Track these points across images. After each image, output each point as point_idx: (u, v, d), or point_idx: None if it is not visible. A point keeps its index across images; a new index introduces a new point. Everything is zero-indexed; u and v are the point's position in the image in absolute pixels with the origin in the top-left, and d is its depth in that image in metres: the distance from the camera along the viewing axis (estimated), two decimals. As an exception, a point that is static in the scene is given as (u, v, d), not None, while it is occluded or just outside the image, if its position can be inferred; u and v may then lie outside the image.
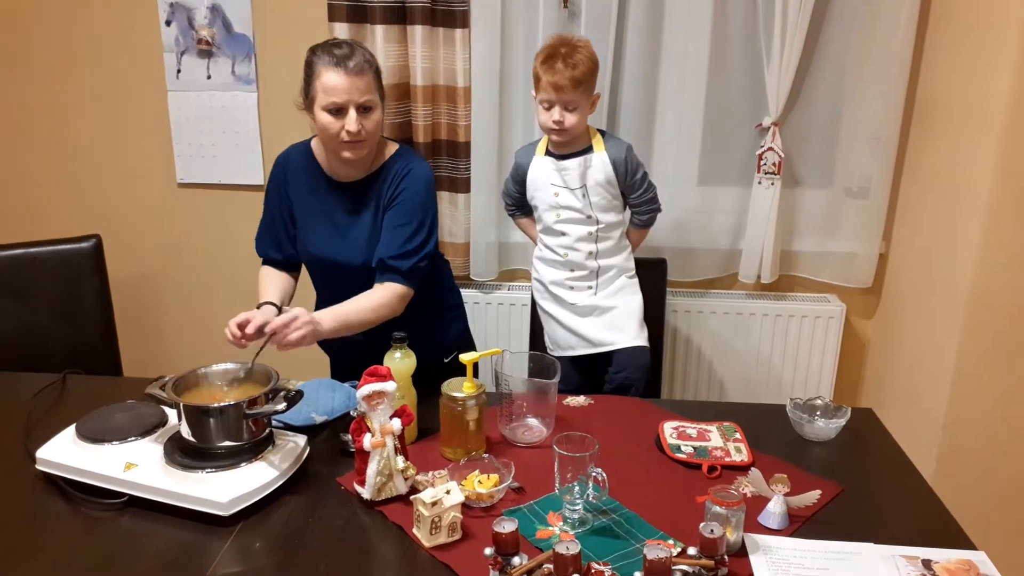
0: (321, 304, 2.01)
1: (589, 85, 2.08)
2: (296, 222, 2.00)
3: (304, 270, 2.09)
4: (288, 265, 2.05)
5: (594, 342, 2.23)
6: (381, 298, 1.85)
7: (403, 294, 1.88)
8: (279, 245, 2.03)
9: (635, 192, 2.21)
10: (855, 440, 1.73)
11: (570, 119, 2.07)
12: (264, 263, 2.07)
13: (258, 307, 1.87)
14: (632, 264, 2.29)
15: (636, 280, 2.29)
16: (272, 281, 2.01)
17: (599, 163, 2.15)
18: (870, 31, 2.53)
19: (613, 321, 2.23)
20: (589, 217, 2.18)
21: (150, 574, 1.30)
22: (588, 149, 2.17)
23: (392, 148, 1.97)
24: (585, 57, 2.05)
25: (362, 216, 1.93)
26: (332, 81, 1.77)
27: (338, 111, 1.78)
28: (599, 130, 2.21)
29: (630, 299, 2.25)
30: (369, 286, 1.87)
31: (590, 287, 2.23)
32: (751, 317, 2.76)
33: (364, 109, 1.80)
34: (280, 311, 1.84)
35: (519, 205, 2.35)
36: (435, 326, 2.10)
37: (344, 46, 1.80)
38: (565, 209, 2.18)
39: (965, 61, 2.33)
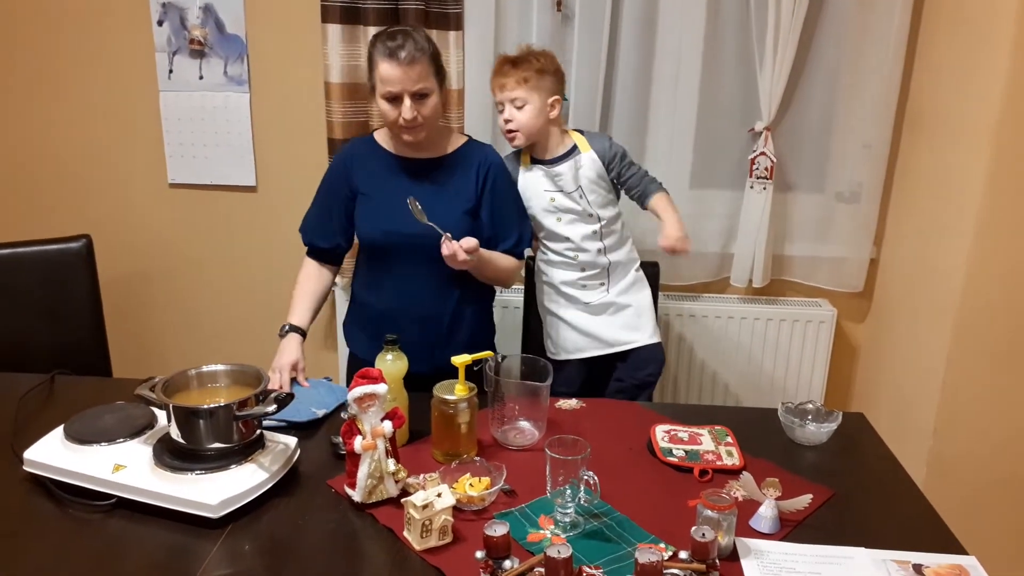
0: (368, 284, 2.08)
1: (538, 85, 2.08)
2: (359, 208, 2.03)
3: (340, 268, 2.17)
4: (332, 256, 2.13)
5: (609, 342, 2.22)
6: (513, 264, 2.10)
7: (521, 265, 2.17)
8: (329, 235, 2.08)
9: (628, 172, 2.21)
10: (847, 444, 1.74)
11: (519, 117, 2.10)
12: (309, 253, 2.13)
13: (283, 330, 1.98)
14: (636, 255, 2.29)
15: (642, 272, 2.30)
16: (308, 288, 2.08)
17: (589, 161, 2.16)
18: (862, 38, 2.54)
19: (629, 320, 2.22)
20: (591, 215, 2.18)
21: (138, 577, 1.30)
22: (574, 150, 2.18)
23: (462, 137, 2.10)
24: (536, 59, 2.09)
25: (439, 193, 2.00)
26: (386, 72, 1.86)
27: (394, 99, 1.88)
28: (577, 130, 2.22)
29: (642, 294, 2.26)
30: (430, 261, 1.92)
31: (602, 284, 2.22)
32: (743, 321, 2.76)
33: (419, 96, 1.88)
34: (304, 336, 1.99)
35: None
36: (470, 328, 2.13)
37: (399, 36, 1.87)
38: (565, 213, 2.17)
39: (956, 68, 2.34)
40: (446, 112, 2.59)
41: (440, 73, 1.95)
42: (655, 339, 2.23)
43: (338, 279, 2.30)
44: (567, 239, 2.19)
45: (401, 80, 1.85)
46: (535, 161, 2.20)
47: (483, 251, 1.93)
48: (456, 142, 2.07)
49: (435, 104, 1.92)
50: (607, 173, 2.19)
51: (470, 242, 1.86)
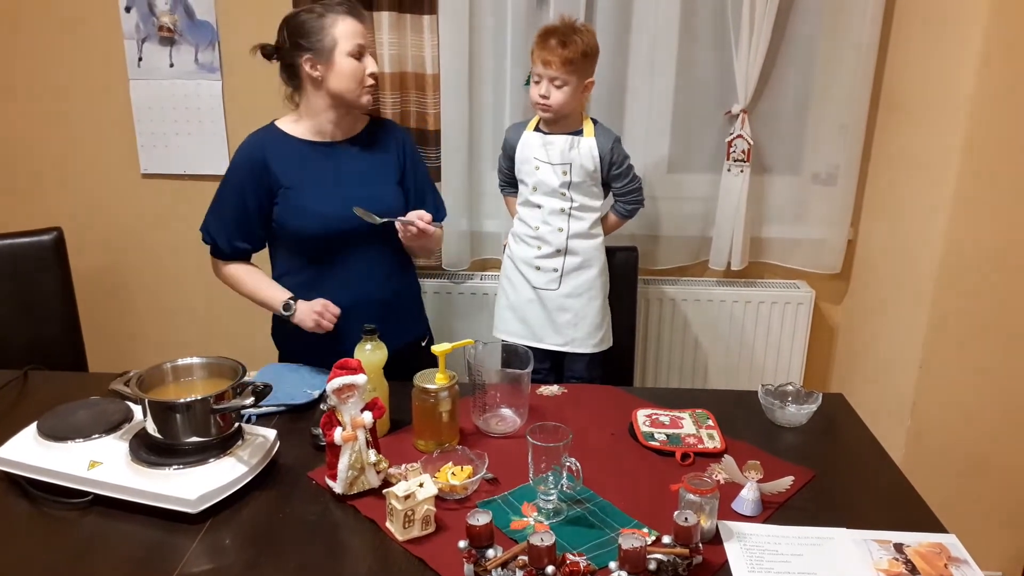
0: (307, 284, 1.97)
1: (580, 67, 2.09)
2: (285, 204, 1.95)
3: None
4: (242, 257, 2.05)
5: (538, 336, 2.28)
6: (440, 231, 2.14)
7: (442, 233, 2.21)
8: (249, 234, 1.99)
9: (618, 183, 2.24)
10: (827, 425, 1.75)
11: (556, 96, 2.10)
12: (225, 258, 2.03)
13: (288, 308, 1.92)
14: (602, 255, 2.29)
15: (605, 279, 2.30)
16: (265, 278, 2.02)
17: (586, 148, 2.17)
18: (837, 19, 2.54)
19: (567, 323, 2.26)
20: (563, 194, 2.19)
21: (117, 574, 1.28)
22: (578, 132, 2.19)
23: (364, 116, 2.07)
24: (581, 40, 2.08)
25: (369, 170, 2.00)
26: (353, 27, 1.87)
27: (360, 55, 1.89)
28: (592, 119, 2.23)
29: (591, 304, 2.27)
30: (373, 243, 1.95)
31: (555, 270, 2.23)
32: (721, 304, 2.77)
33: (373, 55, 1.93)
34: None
35: (508, 181, 2.37)
36: (415, 303, 2.19)
37: None
38: (543, 183, 2.20)
39: (931, 49, 2.34)
40: (422, 97, 2.57)
41: None
42: (583, 349, 2.28)
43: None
44: (537, 207, 2.22)
45: (364, 34, 1.89)
46: (538, 130, 2.23)
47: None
48: (362, 120, 2.06)
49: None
50: (600, 170, 2.20)
51: (427, 215, 1.91)
